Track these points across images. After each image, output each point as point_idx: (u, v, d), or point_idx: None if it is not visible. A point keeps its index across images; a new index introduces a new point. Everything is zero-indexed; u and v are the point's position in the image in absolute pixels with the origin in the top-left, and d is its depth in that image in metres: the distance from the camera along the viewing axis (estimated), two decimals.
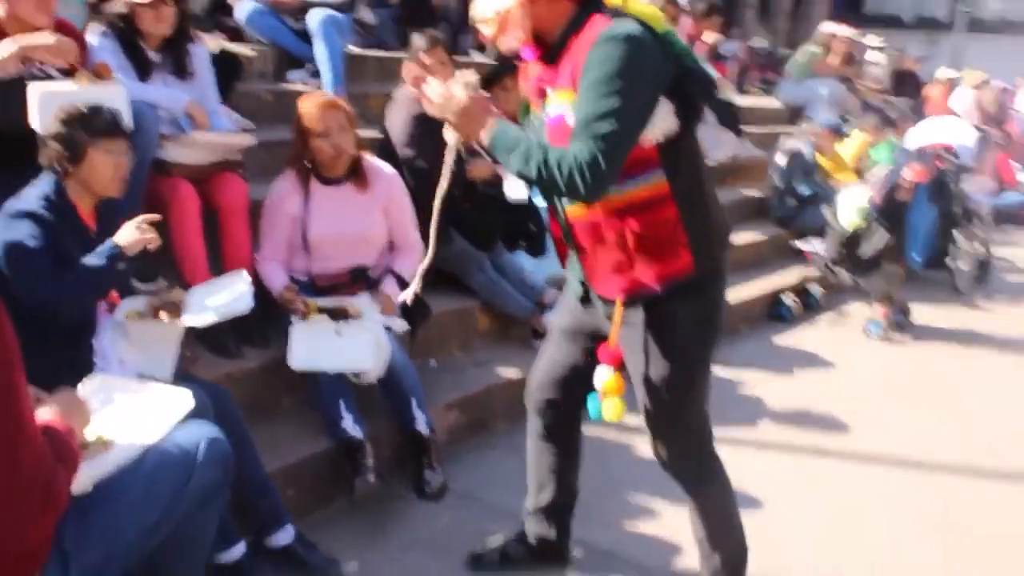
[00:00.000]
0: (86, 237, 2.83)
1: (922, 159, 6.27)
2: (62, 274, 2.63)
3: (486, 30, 2.37)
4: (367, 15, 5.97)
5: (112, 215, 2.96)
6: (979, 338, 6.11)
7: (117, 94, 3.26)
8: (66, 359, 2.62)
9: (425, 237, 4.30)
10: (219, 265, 3.76)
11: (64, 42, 3.21)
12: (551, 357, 2.77)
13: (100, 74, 3.31)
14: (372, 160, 3.87)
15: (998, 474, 4.04)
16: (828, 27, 9.85)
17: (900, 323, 6.04)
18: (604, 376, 2.45)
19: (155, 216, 2.86)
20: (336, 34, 5.45)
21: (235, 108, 4.97)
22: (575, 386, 2.68)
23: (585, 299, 2.59)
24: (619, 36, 2.14)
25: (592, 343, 2.58)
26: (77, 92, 3.12)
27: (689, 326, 2.39)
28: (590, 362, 2.54)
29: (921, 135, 7.34)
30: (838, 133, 7.63)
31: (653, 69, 2.17)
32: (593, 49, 2.15)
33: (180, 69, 3.90)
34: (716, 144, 2.49)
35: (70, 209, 2.82)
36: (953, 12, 31.13)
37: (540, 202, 4.99)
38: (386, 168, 3.88)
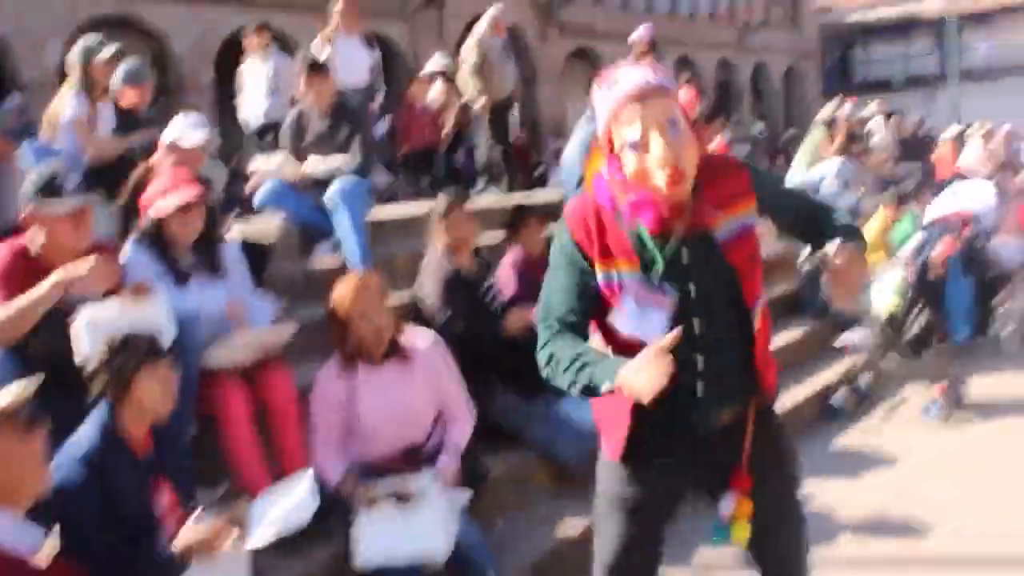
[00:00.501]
0: (136, 466, 2.85)
1: (949, 231, 6.25)
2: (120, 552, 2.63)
3: (684, 176, 2.22)
4: (381, 178, 6.08)
5: (167, 439, 2.99)
6: None
7: (158, 311, 3.32)
8: None
9: (474, 396, 4.35)
10: (275, 463, 3.76)
11: (103, 266, 3.27)
12: (630, 543, 2.55)
13: (140, 292, 3.38)
14: (410, 332, 3.88)
15: None
16: (827, 110, 9.98)
17: (959, 400, 5.92)
18: (732, 501, 2.39)
19: None
20: (355, 203, 5.55)
21: (269, 288, 5.07)
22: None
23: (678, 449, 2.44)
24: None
25: (667, 516, 2.55)
26: (119, 315, 3.17)
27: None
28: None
29: (942, 205, 7.33)
30: (857, 215, 7.63)
31: None
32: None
33: (214, 268, 3.98)
34: None
35: (121, 442, 2.84)
36: (942, 66, 31.65)
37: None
38: (425, 339, 3.89)
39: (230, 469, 3.67)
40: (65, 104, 5.36)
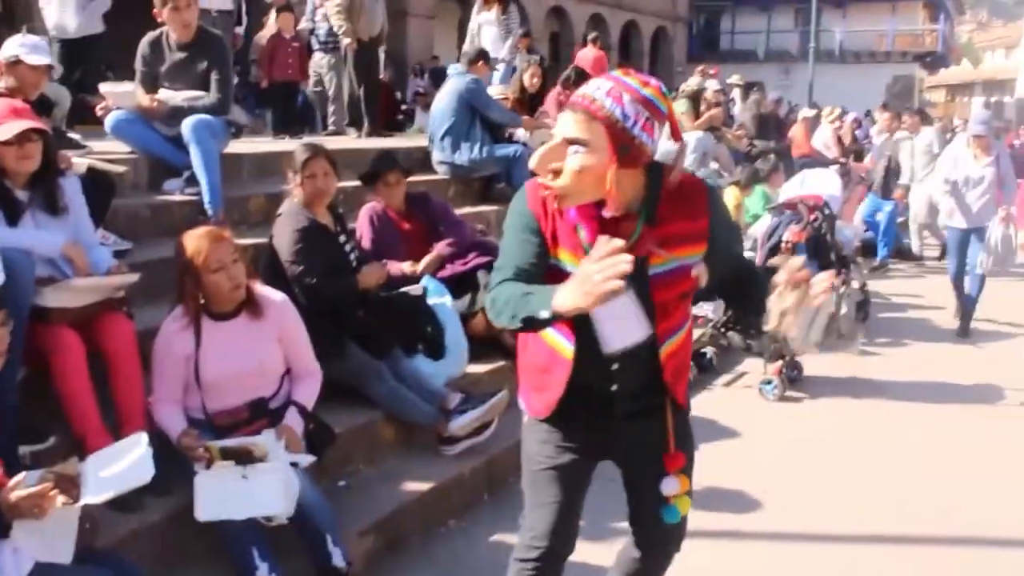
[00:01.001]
0: None
1: (796, 218, 6.49)
2: None
3: (560, 182, 2.27)
4: (240, 115, 5.83)
5: None
6: (870, 385, 6.34)
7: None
8: None
9: (323, 354, 4.27)
10: (112, 413, 3.59)
11: None
12: (561, 507, 2.63)
13: None
14: (262, 288, 3.76)
15: (927, 539, 4.15)
16: (693, 82, 10.16)
17: (794, 379, 6.20)
18: (674, 482, 2.53)
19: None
20: (211, 138, 5.31)
21: (111, 224, 4.82)
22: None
23: (598, 422, 2.55)
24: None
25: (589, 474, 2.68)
26: None
27: None
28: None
29: (792, 189, 7.60)
30: None
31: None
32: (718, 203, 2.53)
33: (51, 206, 3.72)
34: None
35: None
36: (801, 44, 32.79)
37: (435, 301, 4.96)
38: (275, 294, 3.78)
39: (64, 419, 3.49)
40: None
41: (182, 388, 3.62)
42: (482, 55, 8.21)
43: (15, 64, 4.33)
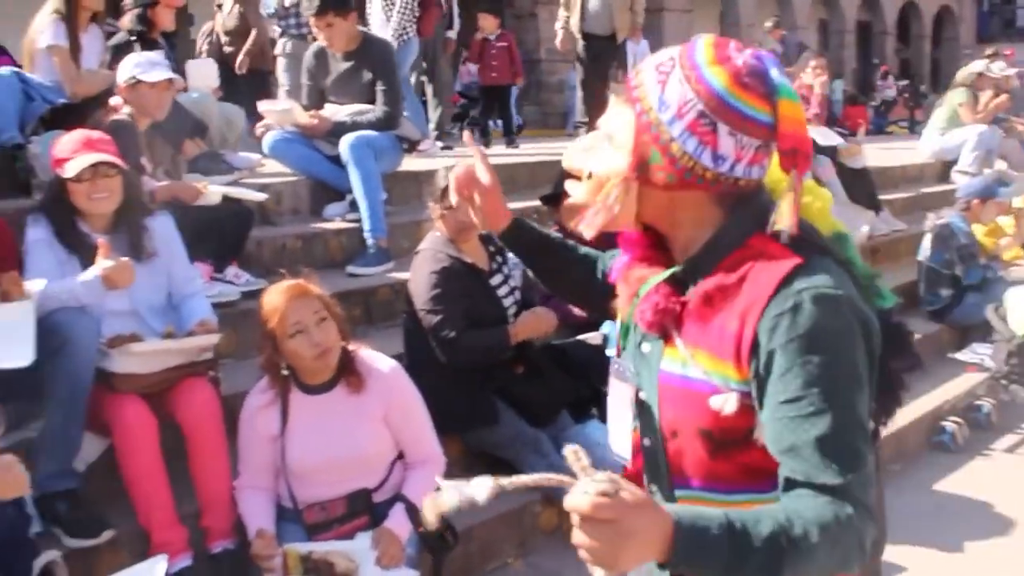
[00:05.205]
0: None
1: None
2: None
3: (574, 191, 1.55)
4: (411, 129, 5.17)
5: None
6: None
7: (20, 314, 2.62)
8: None
9: (468, 420, 3.51)
10: (191, 494, 3.01)
11: None
12: None
13: (8, 291, 2.70)
14: (366, 353, 3.03)
15: None
16: (975, 66, 8.56)
17: None
18: None
19: None
20: (371, 158, 4.70)
21: (254, 259, 4.31)
22: None
23: None
24: (826, 299, 1.36)
25: None
26: None
27: None
28: None
29: None
30: (994, 198, 6.29)
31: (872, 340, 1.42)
32: (784, 317, 1.35)
33: (136, 250, 3.18)
34: (848, 224, 1.84)
35: None
36: None
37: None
38: (383, 362, 3.04)
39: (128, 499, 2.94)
40: (40, 29, 4.61)
41: (271, 473, 2.99)
42: None
43: (134, 86, 3.87)
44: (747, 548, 1.24)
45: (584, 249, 1.96)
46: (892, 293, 1.65)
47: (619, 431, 1.65)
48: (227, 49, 7.15)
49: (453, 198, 1.90)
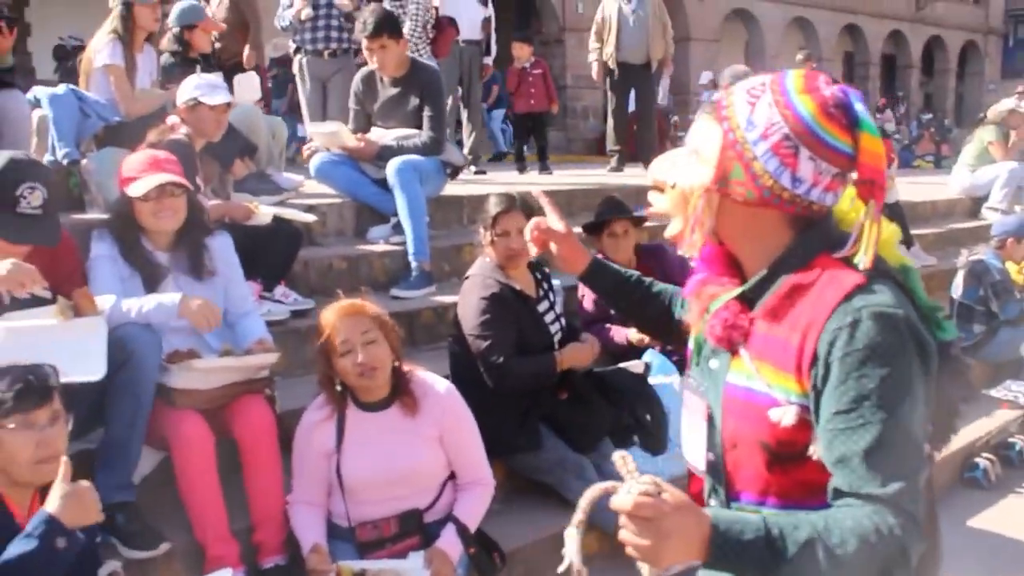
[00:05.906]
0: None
1: None
2: None
3: (657, 202, 1.68)
4: (455, 154, 5.24)
5: None
6: None
7: (93, 329, 2.69)
8: None
9: (511, 445, 3.54)
10: (243, 509, 3.06)
11: (20, 270, 2.66)
12: None
13: (81, 305, 2.77)
14: (422, 375, 3.08)
15: None
16: (1005, 104, 8.59)
17: None
18: None
19: None
20: (416, 182, 4.76)
21: (301, 279, 4.38)
22: None
23: None
24: (884, 316, 1.42)
25: None
26: (39, 335, 2.59)
27: None
28: None
29: None
30: None
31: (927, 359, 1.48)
32: (843, 331, 1.42)
33: (196, 269, 3.26)
34: None
35: None
36: None
37: (659, 380, 4.09)
38: (438, 383, 3.10)
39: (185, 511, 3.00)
40: (98, 49, 4.72)
41: (324, 490, 3.04)
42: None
43: (194, 107, 3.95)
44: (783, 552, 1.33)
45: (660, 285, 2.03)
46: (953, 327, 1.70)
47: (693, 442, 1.72)
48: (217, 44, 6.45)
49: (532, 250, 1.99)
